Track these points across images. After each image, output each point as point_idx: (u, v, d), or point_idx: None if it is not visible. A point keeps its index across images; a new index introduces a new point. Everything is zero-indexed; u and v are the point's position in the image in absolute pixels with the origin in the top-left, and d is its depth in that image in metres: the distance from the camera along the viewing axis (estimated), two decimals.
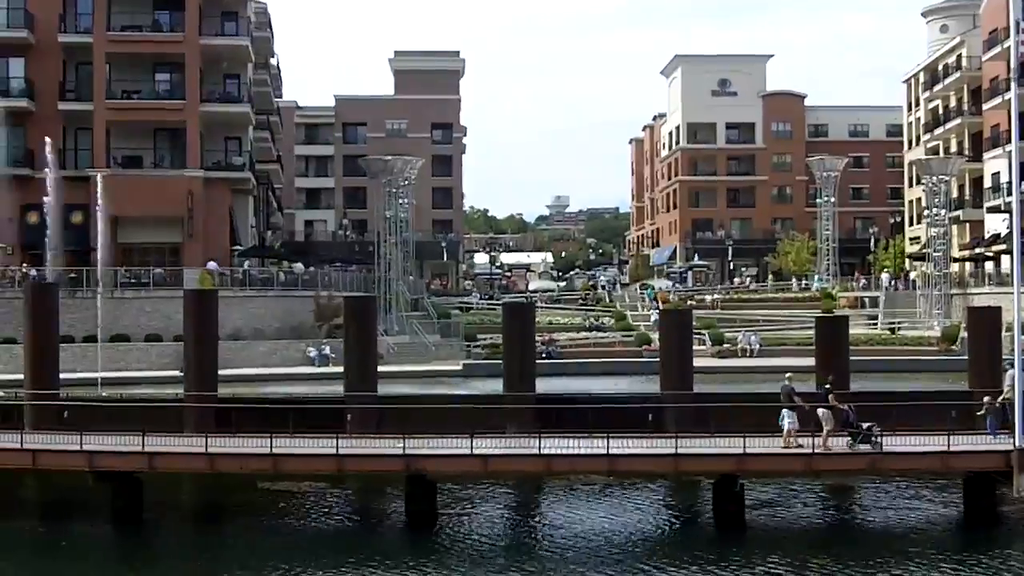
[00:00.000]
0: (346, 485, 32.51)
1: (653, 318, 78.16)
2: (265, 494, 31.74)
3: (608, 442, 27.41)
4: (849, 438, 28.04)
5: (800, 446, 27.88)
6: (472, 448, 27.61)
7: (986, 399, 29.54)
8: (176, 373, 55.90)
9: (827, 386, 29.06)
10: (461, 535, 27.17)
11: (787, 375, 29.82)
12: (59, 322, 37.83)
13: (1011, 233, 31.17)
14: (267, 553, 25.65)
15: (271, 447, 27.96)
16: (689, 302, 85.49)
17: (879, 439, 27.68)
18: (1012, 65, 27.33)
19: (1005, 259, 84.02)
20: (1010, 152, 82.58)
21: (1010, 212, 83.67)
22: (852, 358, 35.71)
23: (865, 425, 27.93)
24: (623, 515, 29.28)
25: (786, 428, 28.16)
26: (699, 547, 25.83)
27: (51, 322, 36.40)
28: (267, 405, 34.50)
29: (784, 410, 28.43)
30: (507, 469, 29.06)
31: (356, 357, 35.38)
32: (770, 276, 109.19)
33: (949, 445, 27.29)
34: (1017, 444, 26.74)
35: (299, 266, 72.45)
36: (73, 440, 28.75)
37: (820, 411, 28.21)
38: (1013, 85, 28.06)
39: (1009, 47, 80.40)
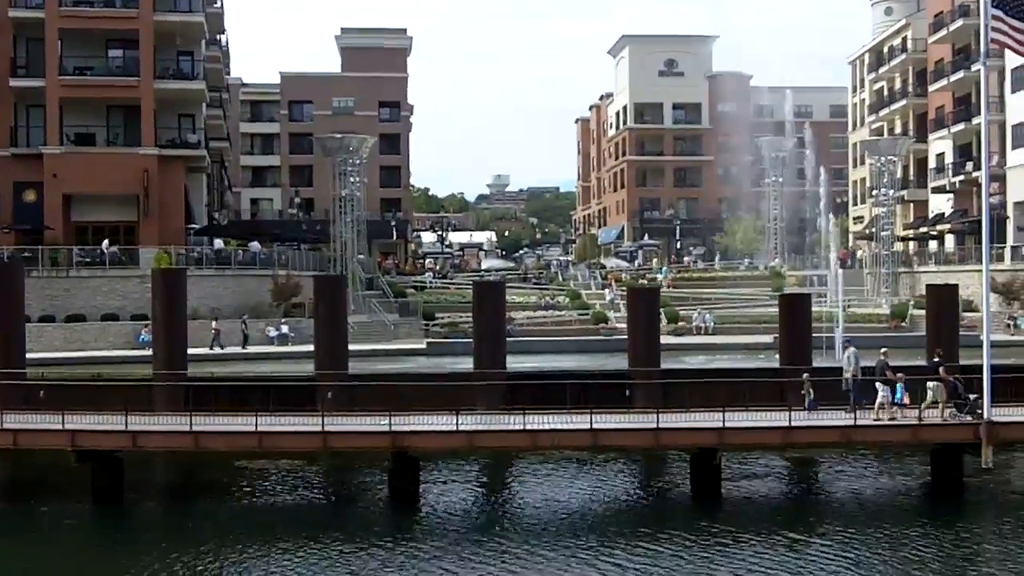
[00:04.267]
0: (321, 463, 32.75)
1: (608, 297, 78.99)
2: (242, 472, 31.90)
3: (592, 417, 27.88)
4: (954, 408, 28.73)
5: (894, 418, 28.56)
6: (457, 425, 27.94)
7: (804, 376, 30.38)
8: (134, 352, 55.84)
9: (936, 360, 29.55)
10: (445, 510, 27.54)
11: (882, 350, 30.67)
12: (24, 301, 37.72)
13: (982, 209, 31.96)
14: (249, 529, 25.90)
15: (256, 425, 28.06)
16: (641, 281, 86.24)
17: (981, 410, 28.26)
18: (982, 49, 28.03)
19: (949, 238, 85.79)
20: (955, 133, 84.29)
21: (953, 193, 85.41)
22: None
23: (972, 397, 28.55)
24: (601, 489, 29.85)
25: (879, 401, 28.86)
26: (679, 518, 26.49)
27: (17, 301, 36.34)
28: (244, 383, 34.59)
29: (878, 383, 29.15)
30: (492, 445, 29.49)
31: (326, 336, 35.66)
32: (717, 256, 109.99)
33: (920, 418, 28.06)
34: (986, 417, 27.58)
35: (255, 245, 72.14)
36: (54, 420, 28.66)
37: (930, 383, 28.81)
38: (983, 68, 28.81)
39: (954, 30, 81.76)
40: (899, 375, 29.37)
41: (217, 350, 58.50)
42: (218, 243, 69.24)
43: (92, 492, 28.37)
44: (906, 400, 28.94)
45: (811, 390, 30.07)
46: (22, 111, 68.89)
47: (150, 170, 67.05)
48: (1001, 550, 23.51)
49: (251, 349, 60.58)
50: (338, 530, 25.50)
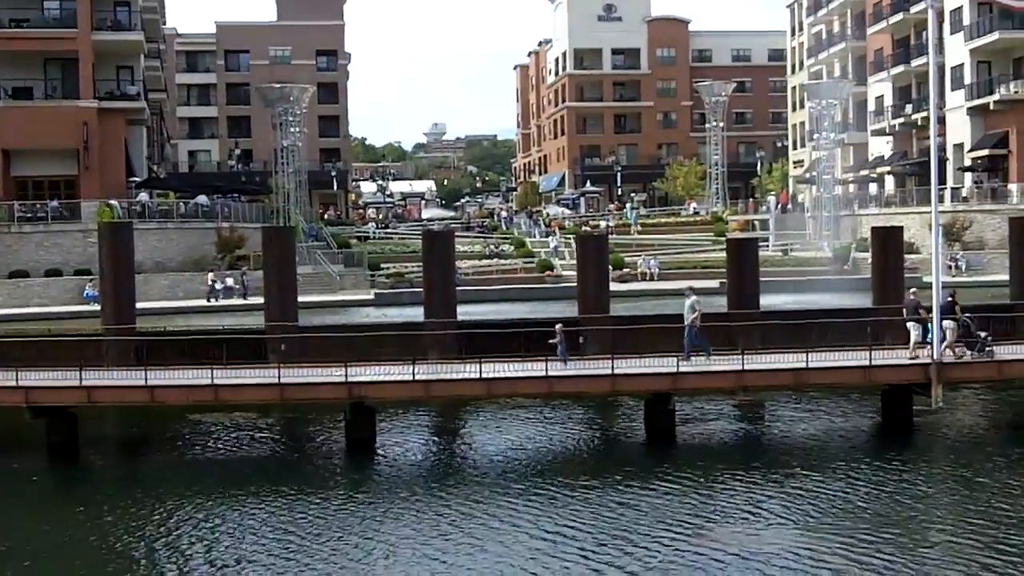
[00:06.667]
0: (275, 415, 32.80)
1: (552, 244, 79.33)
2: (197, 426, 31.86)
3: (547, 365, 28.13)
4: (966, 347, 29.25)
5: (929, 356, 28.78)
6: (414, 374, 28.07)
7: (557, 326, 30.45)
8: (80, 307, 55.41)
9: (950, 299, 29.68)
10: (402, 458, 27.76)
11: (911, 290, 31.38)
12: None
13: (923, 151, 32.46)
14: (206, 481, 25.82)
15: (212, 378, 28.01)
16: (584, 228, 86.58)
17: (991, 348, 29.05)
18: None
19: (889, 179, 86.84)
20: (895, 75, 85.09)
21: (892, 135, 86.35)
22: None
23: (982, 335, 29.16)
24: (556, 435, 30.18)
25: (912, 339, 29.41)
26: (635, 462, 26.81)
27: None
28: (196, 337, 34.46)
29: (910, 323, 29.76)
30: (449, 394, 29.63)
31: (276, 288, 35.40)
32: (633, 203, 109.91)
33: (871, 359, 28.60)
34: (935, 358, 28.20)
35: (202, 198, 71.49)
36: (7, 377, 28.43)
37: (947, 323, 29.02)
38: (930, 8, 29.11)
39: None
40: (929, 315, 29.62)
41: (214, 302, 59.50)
42: (143, 196, 68.29)
43: (47, 448, 28.28)
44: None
45: (564, 340, 30.11)
46: None
47: (89, 123, 66.10)
48: (947, 487, 24.12)
49: (196, 303, 60.19)
50: (296, 480, 25.54)
